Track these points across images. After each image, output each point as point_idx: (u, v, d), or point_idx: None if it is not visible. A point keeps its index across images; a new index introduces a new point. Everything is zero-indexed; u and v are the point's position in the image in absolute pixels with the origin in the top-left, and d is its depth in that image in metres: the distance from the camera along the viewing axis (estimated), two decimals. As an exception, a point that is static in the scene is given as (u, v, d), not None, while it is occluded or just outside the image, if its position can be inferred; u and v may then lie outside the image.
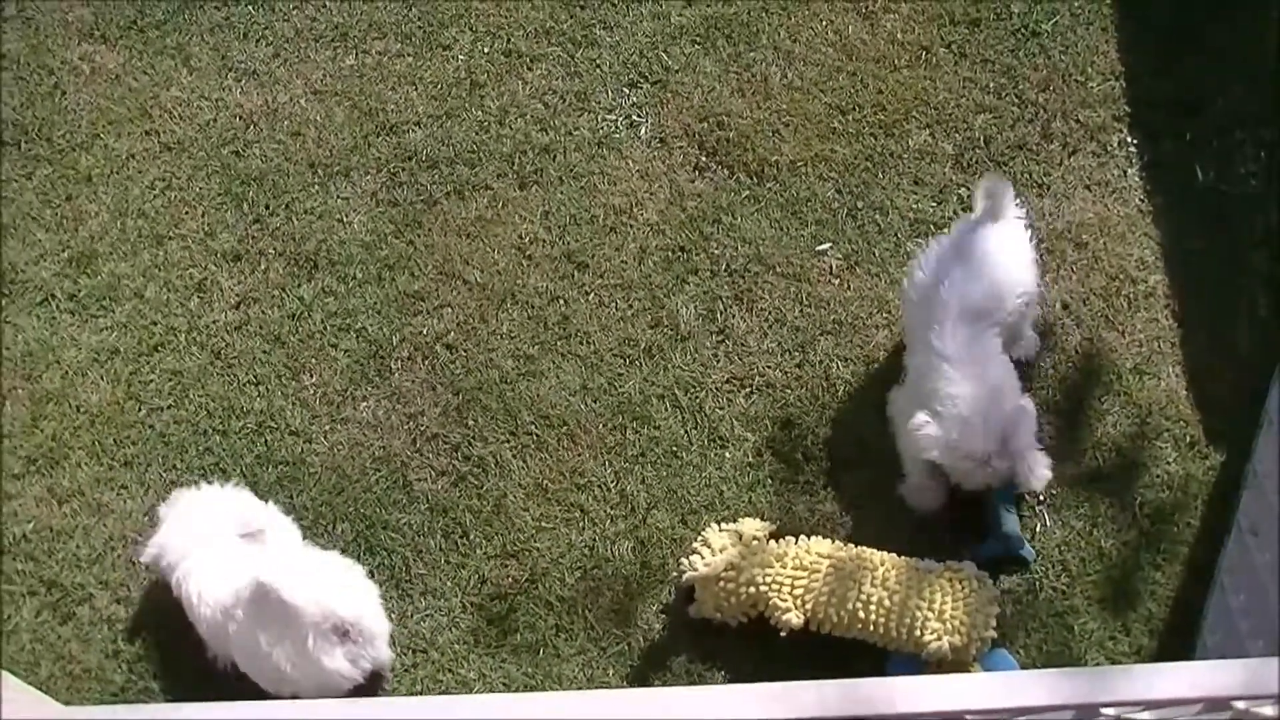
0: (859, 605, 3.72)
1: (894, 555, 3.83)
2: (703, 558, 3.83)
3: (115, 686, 3.99)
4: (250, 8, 5.06)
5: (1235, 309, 4.32)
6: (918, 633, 3.69)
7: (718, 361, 4.34)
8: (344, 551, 4.08)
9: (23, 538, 4.18)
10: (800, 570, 3.78)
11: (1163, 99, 4.63)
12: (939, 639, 3.67)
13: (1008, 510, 3.97)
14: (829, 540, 3.89)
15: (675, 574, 3.98)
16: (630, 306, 4.44)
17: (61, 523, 4.19)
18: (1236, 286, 4.34)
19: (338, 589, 3.66)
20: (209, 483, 4.00)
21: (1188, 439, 4.15)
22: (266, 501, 3.99)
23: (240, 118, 4.83)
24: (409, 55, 4.93)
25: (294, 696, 3.68)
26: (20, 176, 4.75)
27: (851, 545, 3.87)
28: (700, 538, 3.90)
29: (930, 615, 3.69)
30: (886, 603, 3.71)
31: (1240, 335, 4.28)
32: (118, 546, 4.15)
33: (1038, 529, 4.05)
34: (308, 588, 3.56)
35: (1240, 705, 2.60)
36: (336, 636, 3.62)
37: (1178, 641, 3.91)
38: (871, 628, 3.73)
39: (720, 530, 3.91)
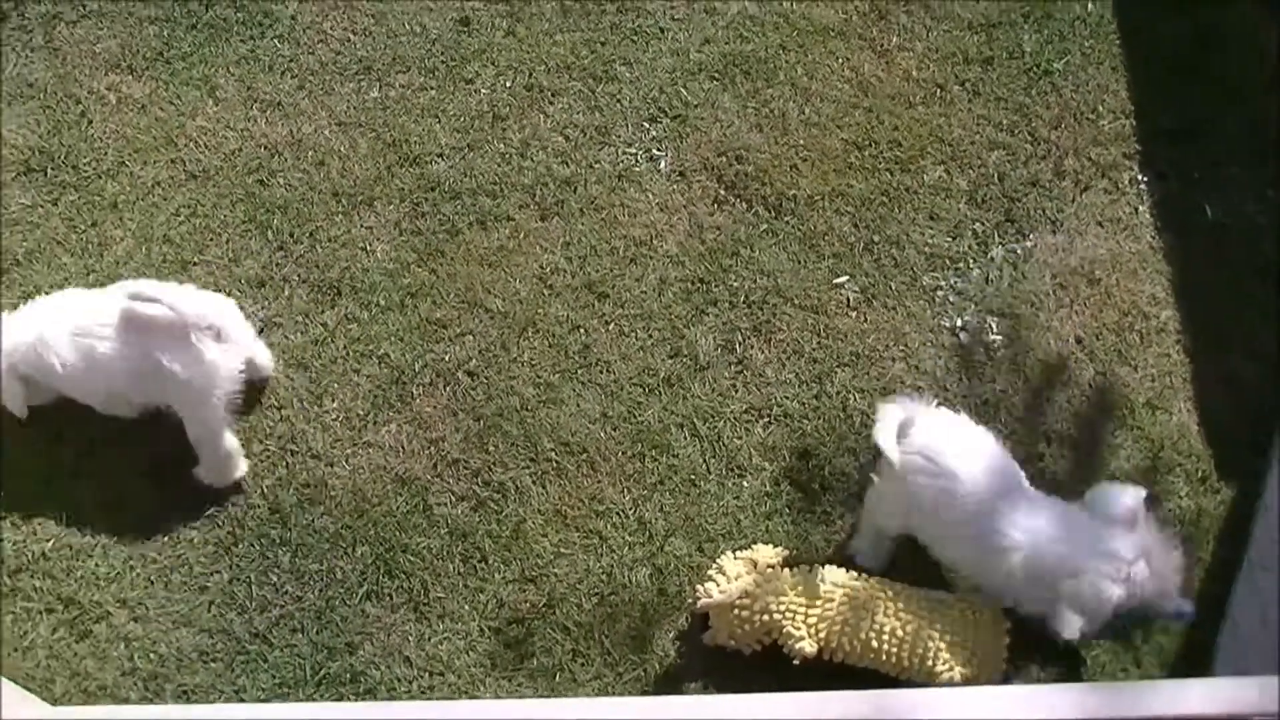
0: (872, 635, 3.73)
1: (907, 586, 3.85)
2: (718, 585, 3.85)
3: (130, 704, 3.99)
4: (276, 41, 5.14)
5: (1246, 345, 4.37)
6: (930, 663, 3.70)
7: (736, 392, 4.39)
8: (363, 574, 4.12)
9: (42, 555, 4.18)
10: (814, 599, 3.79)
11: (1172, 137, 4.73)
12: (951, 669, 3.68)
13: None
14: (843, 569, 3.90)
15: (691, 601, 3.99)
16: (650, 336, 4.48)
17: (81, 541, 4.20)
18: (1247, 322, 4.40)
19: None
20: None
21: (1199, 473, 4.20)
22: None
23: (265, 147, 4.90)
24: (432, 89, 5.01)
25: None
26: (47, 202, 4.80)
27: (865, 575, 3.89)
28: (715, 565, 3.92)
29: (942, 646, 3.70)
30: (899, 633, 3.72)
31: (1251, 371, 4.33)
32: (137, 565, 4.16)
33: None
34: None
35: (1261, 722, 2.63)
36: None
37: (1189, 675, 3.90)
38: (884, 657, 3.75)
39: (735, 558, 3.92)
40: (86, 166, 4.88)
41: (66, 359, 4.04)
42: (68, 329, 4.04)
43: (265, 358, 4.40)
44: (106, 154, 4.91)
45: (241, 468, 4.26)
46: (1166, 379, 4.35)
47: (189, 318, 3.98)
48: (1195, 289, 4.47)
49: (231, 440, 4.20)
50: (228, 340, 4.10)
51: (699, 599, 3.88)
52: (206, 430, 4.14)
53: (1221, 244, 4.56)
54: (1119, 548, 3.58)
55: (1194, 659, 3.94)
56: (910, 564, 3.99)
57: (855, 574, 3.88)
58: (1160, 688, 2.58)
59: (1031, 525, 3.66)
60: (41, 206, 4.80)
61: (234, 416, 4.20)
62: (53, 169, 4.87)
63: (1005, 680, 3.80)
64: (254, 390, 4.40)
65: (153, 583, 4.15)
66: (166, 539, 4.20)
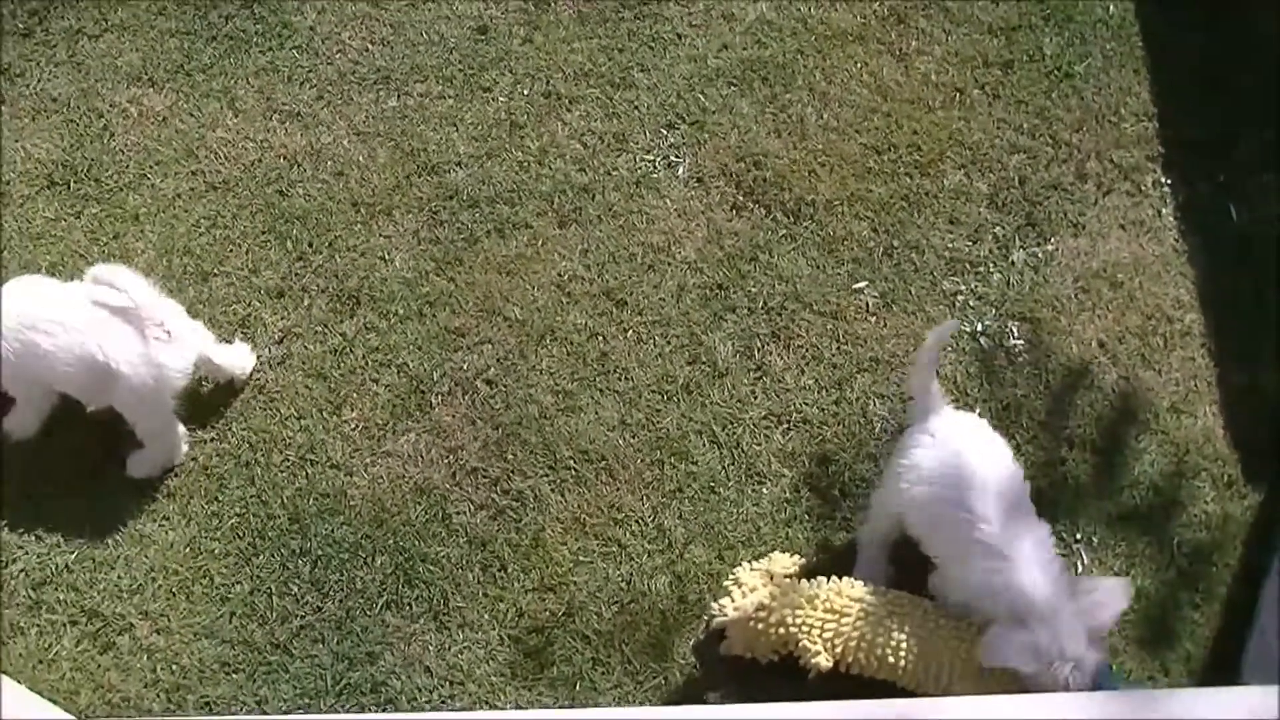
0: (888, 650, 3.69)
1: (926, 600, 3.80)
2: (733, 600, 3.82)
3: (151, 716, 4.01)
4: (295, 52, 5.16)
5: (1272, 349, 4.33)
6: (946, 680, 3.66)
7: (755, 398, 4.37)
8: (383, 584, 4.12)
9: (65, 568, 4.20)
10: (830, 614, 3.74)
11: (1195, 140, 4.69)
12: (965, 687, 3.63)
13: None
14: (860, 582, 3.84)
15: (707, 619, 3.97)
16: (668, 343, 4.47)
17: (104, 553, 4.22)
18: (1272, 326, 4.36)
19: None
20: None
21: (1225, 478, 4.16)
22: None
23: (285, 158, 4.91)
24: (450, 97, 5.02)
25: None
26: (69, 215, 4.83)
27: (883, 589, 3.84)
28: (731, 577, 3.89)
29: (959, 662, 3.65)
30: (916, 649, 3.68)
31: (1277, 375, 4.28)
32: (159, 577, 4.18)
33: (1077, 568, 4.04)
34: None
35: (1285, 732, 2.59)
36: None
37: (1216, 683, 3.87)
38: (900, 673, 3.71)
39: (751, 569, 3.90)
40: (108, 179, 4.91)
41: (11, 348, 4.04)
42: (15, 318, 4.03)
43: (231, 359, 4.38)
44: (128, 166, 4.94)
45: (183, 449, 4.34)
46: (1191, 383, 4.31)
47: (147, 311, 4.02)
48: (1220, 292, 4.44)
49: (179, 428, 4.31)
50: (178, 339, 4.13)
51: (713, 616, 3.86)
52: (158, 424, 4.22)
53: (1246, 247, 4.52)
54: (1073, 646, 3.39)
55: (1222, 667, 3.90)
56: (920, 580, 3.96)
57: (871, 587, 3.83)
58: (1177, 695, 2.56)
59: (1026, 554, 3.54)
60: (64, 219, 4.83)
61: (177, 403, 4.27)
62: (75, 182, 4.90)
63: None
64: (229, 392, 4.47)
65: (174, 594, 4.16)
66: (188, 550, 4.21)
